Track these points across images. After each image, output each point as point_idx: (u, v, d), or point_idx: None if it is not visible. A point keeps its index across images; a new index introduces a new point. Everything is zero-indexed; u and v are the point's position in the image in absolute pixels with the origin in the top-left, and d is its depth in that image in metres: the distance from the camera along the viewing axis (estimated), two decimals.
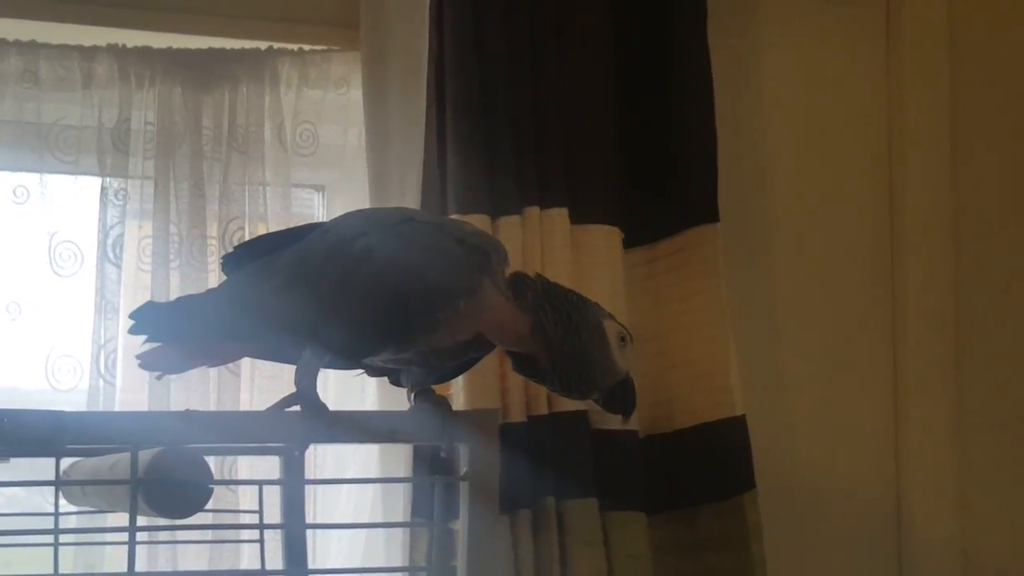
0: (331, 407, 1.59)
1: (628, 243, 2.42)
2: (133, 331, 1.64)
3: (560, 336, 1.59)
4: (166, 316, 1.67)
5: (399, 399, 1.88)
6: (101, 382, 2.29)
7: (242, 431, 1.37)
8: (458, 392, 2.19)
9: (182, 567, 2.24)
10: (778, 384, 2.64)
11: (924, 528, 2.66)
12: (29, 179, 2.33)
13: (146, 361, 1.67)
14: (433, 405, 1.50)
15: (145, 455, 1.30)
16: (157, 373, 1.89)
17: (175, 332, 1.64)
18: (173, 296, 2.30)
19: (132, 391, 2.33)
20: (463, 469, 1.37)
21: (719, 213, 2.43)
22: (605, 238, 2.35)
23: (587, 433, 2.28)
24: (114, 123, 2.34)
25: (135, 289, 2.36)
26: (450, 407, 1.59)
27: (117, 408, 2.28)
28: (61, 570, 1.56)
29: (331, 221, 1.73)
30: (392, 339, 1.55)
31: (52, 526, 1.56)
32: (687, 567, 2.37)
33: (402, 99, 2.35)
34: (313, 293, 1.53)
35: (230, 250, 2.11)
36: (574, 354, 1.61)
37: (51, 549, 1.59)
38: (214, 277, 2.36)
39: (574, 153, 2.35)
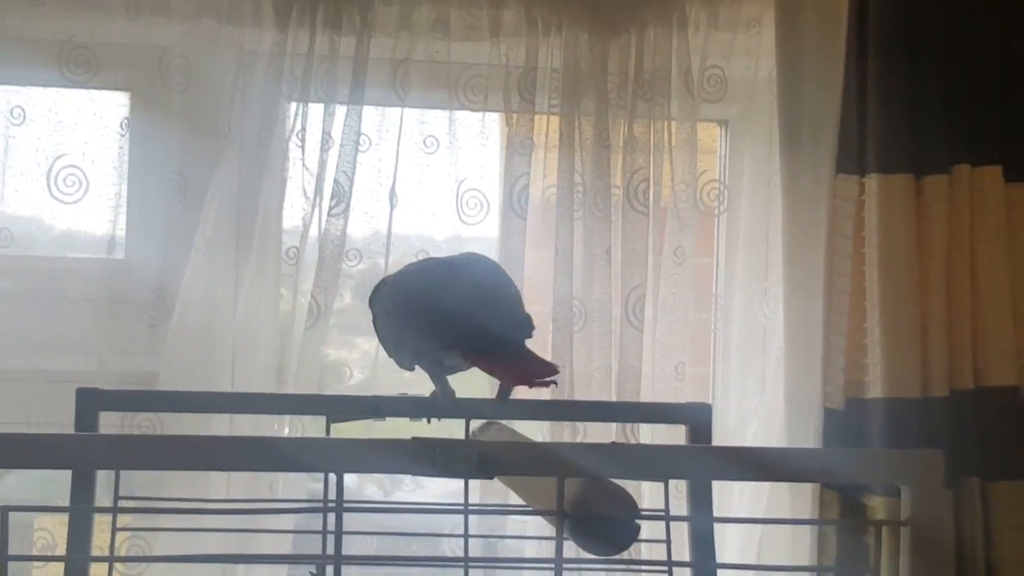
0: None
1: None
2: None
3: None
4: None
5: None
6: None
7: (662, 466, 1.31)
8: (874, 364, 2.08)
9: None
10: None
11: None
12: (439, 129, 2.34)
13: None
14: None
15: (571, 485, 1.27)
16: None
17: None
18: (577, 248, 2.29)
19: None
20: (904, 513, 1.26)
21: None
22: None
23: (1018, 409, 2.12)
24: (520, 71, 2.31)
25: (538, 240, 2.35)
26: None
27: None
28: None
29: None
30: None
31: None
32: None
33: (818, 42, 2.21)
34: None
35: None
36: None
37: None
38: (616, 228, 2.31)
39: (1010, 105, 2.15)
